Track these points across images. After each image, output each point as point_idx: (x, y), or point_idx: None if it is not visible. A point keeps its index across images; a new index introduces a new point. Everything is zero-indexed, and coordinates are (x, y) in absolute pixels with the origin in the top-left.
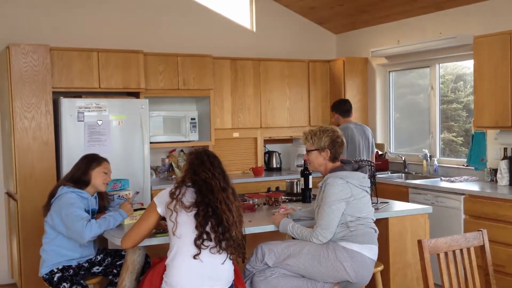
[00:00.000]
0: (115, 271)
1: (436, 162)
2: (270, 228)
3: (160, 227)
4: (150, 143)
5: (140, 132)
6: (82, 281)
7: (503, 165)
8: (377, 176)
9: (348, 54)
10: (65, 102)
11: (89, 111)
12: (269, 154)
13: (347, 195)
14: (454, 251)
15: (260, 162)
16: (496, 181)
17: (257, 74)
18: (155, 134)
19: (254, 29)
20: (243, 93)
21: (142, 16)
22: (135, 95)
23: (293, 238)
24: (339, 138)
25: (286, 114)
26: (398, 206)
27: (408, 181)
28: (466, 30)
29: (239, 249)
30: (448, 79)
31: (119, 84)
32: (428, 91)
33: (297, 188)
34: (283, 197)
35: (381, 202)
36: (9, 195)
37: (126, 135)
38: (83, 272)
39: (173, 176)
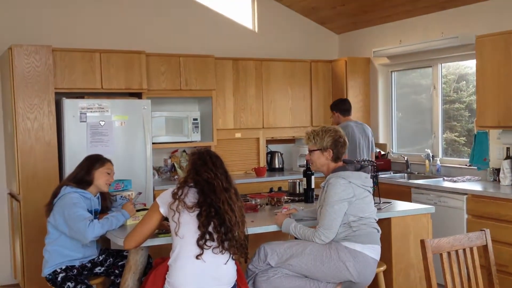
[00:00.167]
0: (117, 271)
1: (438, 162)
2: (273, 228)
3: (163, 228)
4: (153, 143)
5: (142, 132)
6: (86, 281)
7: (505, 165)
8: (380, 176)
9: (350, 54)
10: (67, 103)
11: (91, 111)
12: (271, 154)
13: (349, 195)
14: (457, 251)
15: (263, 163)
16: (499, 181)
17: (259, 75)
18: (158, 134)
19: (256, 30)
20: (245, 93)
21: (144, 17)
22: (137, 95)
23: (296, 238)
24: (342, 138)
25: (288, 114)
26: (401, 206)
27: (410, 181)
28: (468, 29)
29: (241, 249)
30: (450, 79)
31: (121, 85)
32: (430, 91)
33: (299, 188)
34: (285, 197)
35: (383, 202)
36: (12, 195)
37: (128, 136)
38: (86, 272)
39: (176, 177)
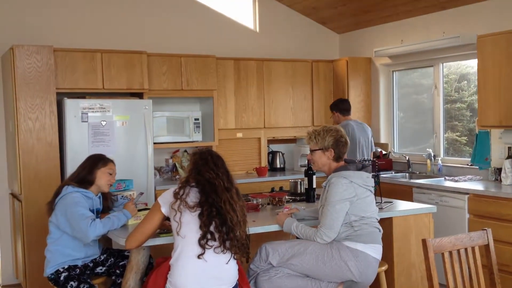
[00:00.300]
0: (118, 271)
1: (440, 162)
2: (274, 228)
3: (164, 227)
4: (154, 143)
5: (143, 132)
6: (89, 280)
7: (507, 164)
8: (381, 175)
9: (352, 54)
10: (69, 103)
11: (93, 111)
12: (272, 154)
13: (351, 195)
14: (458, 251)
15: (264, 162)
16: (501, 181)
17: (261, 75)
18: (159, 134)
19: (257, 30)
20: (247, 93)
21: (145, 17)
22: (139, 95)
23: (297, 238)
24: (343, 137)
25: (290, 114)
26: (402, 206)
27: (412, 180)
28: (469, 29)
29: (243, 248)
30: (451, 79)
31: (122, 85)
32: (431, 90)
33: (301, 188)
34: (287, 197)
35: (385, 202)
36: (13, 196)
37: (129, 136)
38: (88, 272)
39: (177, 177)
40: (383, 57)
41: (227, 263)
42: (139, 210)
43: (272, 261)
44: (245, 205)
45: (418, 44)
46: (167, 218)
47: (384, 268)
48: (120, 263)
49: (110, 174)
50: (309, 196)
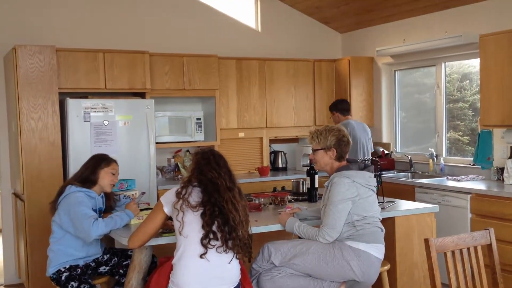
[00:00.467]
0: (121, 271)
1: (442, 161)
2: (276, 227)
3: (167, 227)
4: (156, 143)
5: (146, 132)
6: (90, 280)
7: (510, 164)
8: (383, 175)
9: (354, 53)
10: (71, 103)
11: (95, 111)
12: (274, 153)
13: (353, 194)
14: (461, 250)
15: (266, 162)
16: (503, 180)
17: (263, 74)
18: (161, 134)
19: (259, 29)
20: (249, 93)
21: (147, 17)
22: (141, 95)
23: (300, 238)
24: (345, 137)
25: (292, 114)
26: (405, 205)
27: (414, 180)
28: (472, 28)
29: (245, 248)
30: (454, 78)
31: (125, 85)
32: (434, 90)
33: (303, 187)
34: (289, 197)
35: (387, 201)
36: (16, 195)
37: (132, 136)
38: (90, 272)
39: (179, 176)
40: (385, 56)
41: (229, 263)
42: (142, 210)
43: (275, 260)
44: (247, 204)
45: (420, 43)
46: (170, 218)
47: (386, 267)
48: (124, 263)
49: (113, 174)
50: (311, 195)
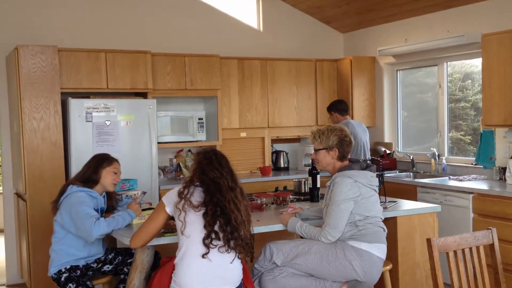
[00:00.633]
0: (126, 269)
1: (444, 161)
2: (278, 227)
3: (169, 227)
4: (158, 143)
5: (148, 132)
6: (88, 283)
7: None
8: (385, 175)
9: (355, 53)
10: (73, 103)
11: (97, 111)
12: (276, 153)
13: (355, 194)
14: (463, 250)
15: (268, 162)
16: (505, 180)
17: (264, 74)
18: (163, 134)
19: (261, 29)
20: (251, 92)
21: (149, 17)
22: (143, 95)
23: (301, 238)
24: (347, 137)
25: (294, 114)
26: (407, 205)
27: (416, 180)
28: (474, 28)
29: (247, 248)
30: (456, 78)
31: (127, 85)
32: (436, 89)
33: (305, 187)
34: (291, 197)
35: (389, 201)
36: (18, 195)
37: (134, 135)
38: (91, 273)
39: (181, 176)
40: (387, 56)
41: (231, 263)
42: (144, 210)
43: (277, 260)
44: (249, 204)
45: (422, 43)
46: (172, 218)
47: (388, 267)
48: (128, 261)
49: (115, 173)
50: (313, 195)
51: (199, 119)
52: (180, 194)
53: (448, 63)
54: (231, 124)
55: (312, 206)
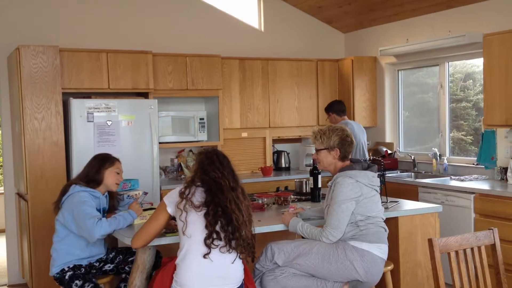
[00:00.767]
0: (127, 268)
1: (445, 161)
2: (280, 227)
3: (170, 227)
4: (159, 143)
5: (149, 132)
6: (94, 279)
7: None
8: (387, 175)
9: (357, 53)
10: (74, 103)
11: (98, 111)
12: (277, 153)
13: (356, 194)
14: (464, 250)
15: (269, 162)
16: (506, 180)
17: (266, 74)
18: (164, 134)
19: (262, 29)
20: (252, 92)
21: (150, 17)
22: (144, 95)
23: (303, 238)
24: (349, 137)
25: (295, 114)
26: (408, 205)
27: (417, 180)
28: (475, 28)
29: (248, 248)
30: (457, 78)
31: (128, 85)
32: (437, 89)
33: (306, 187)
34: (292, 197)
35: (390, 201)
36: (19, 195)
37: (135, 135)
38: (94, 271)
39: (182, 176)
40: (389, 56)
41: (232, 263)
42: (145, 210)
43: (278, 260)
44: (251, 204)
45: (424, 43)
46: (173, 218)
47: (390, 267)
48: (129, 259)
49: (117, 173)
50: (315, 195)
51: (201, 119)
52: (182, 194)
53: (449, 63)
54: (233, 124)
55: (313, 206)
